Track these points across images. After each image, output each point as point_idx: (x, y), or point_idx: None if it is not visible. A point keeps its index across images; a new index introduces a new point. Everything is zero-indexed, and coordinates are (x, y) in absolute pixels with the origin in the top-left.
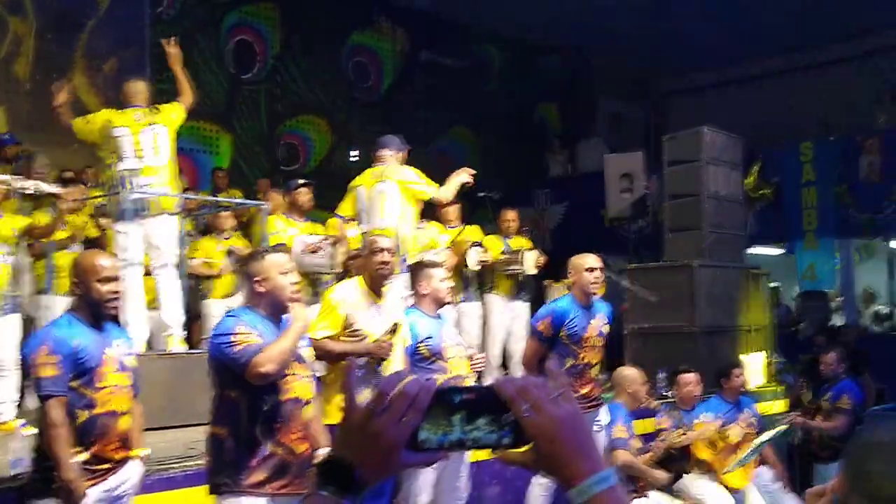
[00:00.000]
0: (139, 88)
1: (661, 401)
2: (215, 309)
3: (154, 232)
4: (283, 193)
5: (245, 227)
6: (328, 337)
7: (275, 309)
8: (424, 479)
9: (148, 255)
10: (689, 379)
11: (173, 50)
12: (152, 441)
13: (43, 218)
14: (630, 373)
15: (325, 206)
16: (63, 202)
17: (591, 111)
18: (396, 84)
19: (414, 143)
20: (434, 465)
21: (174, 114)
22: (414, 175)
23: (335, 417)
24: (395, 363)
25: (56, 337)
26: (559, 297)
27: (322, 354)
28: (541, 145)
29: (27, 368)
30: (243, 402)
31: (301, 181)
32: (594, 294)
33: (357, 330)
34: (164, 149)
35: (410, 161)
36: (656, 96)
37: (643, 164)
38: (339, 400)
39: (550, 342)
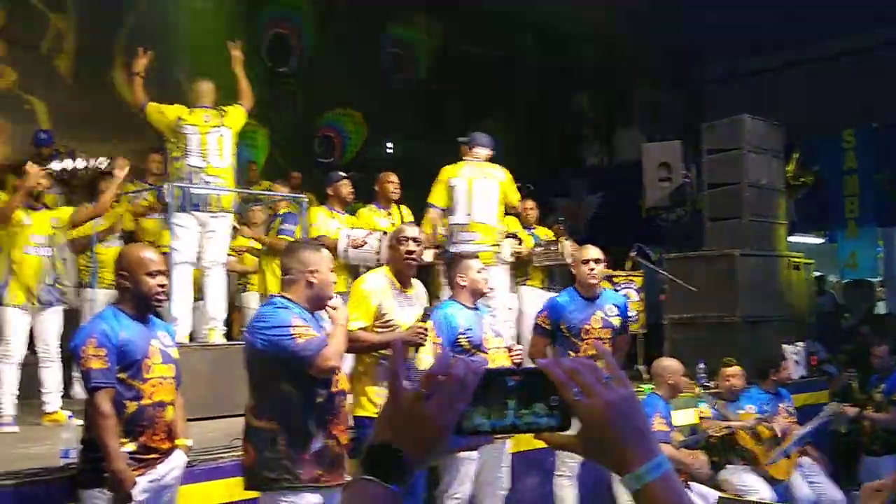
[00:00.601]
0: (207, 89)
1: (705, 391)
2: (254, 302)
3: (211, 229)
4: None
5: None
6: (362, 328)
7: (316, 303)
8: (466, 470)
9: (200, 250)
10: (733, 371)
11: (237, 53)
12: (194, 431)
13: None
14: (670, 364)
15: (360, 198)
16: (107, 190)
17: (627, 100)
18: (431, 75)
19: (448, 134)
20: (475, 456)
21: (238, 117)
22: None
23: (367, 409)
24: (428, 351)
25: (103, 330)
26: (562, 291)
27: (357, 346)
28: (576, 135)
29: (77, 361)
30: (296, 396)
31: (342, 173)
32: (593, 286)
33: (389, 320)
34: (227, 151)
35: (448, 152)
36: (693, 84)
37: (682, 153)
38: (370, 391)
39: (551, 335)
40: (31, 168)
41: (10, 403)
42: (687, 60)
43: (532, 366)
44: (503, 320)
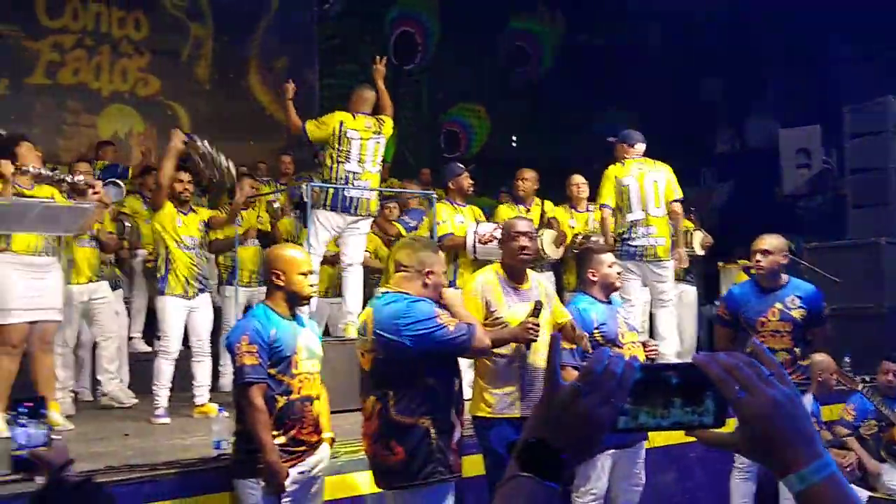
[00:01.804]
0: (370, 97)
1: (865, 386)
2: None
3: (354, 230)
4: (446, 179)
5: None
6: None
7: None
8: (603, 466)
9: (341, 250)
10: (893, 367)
11: (380, 67)
12: (334, 423)
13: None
14: (821, 359)
15: (487, 192)
16: (239, 196)
17: (758, 85)
18: (555, 67)
19: (574, 125)
20: (611, 452)
21: (390, 127)
22: (672, 171)
23: (483, 410)
24: (543, 346)
25: (255, 327)
26: (743, 282)
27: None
28: (705, 122)
29: (231, 357)
30: (441, 388)
31: (461, 166)
32: (763, 277)
33: (498, 317)
34: (380, 158)
35: (576, 143)
36: (826, 67)
37: (821, 137)
38: (477, 389)
39: (734, 326)
40: (183, 176)
41: (165, 396)
42: (819, 42)
43: (687, 361)
44: (670, 314)
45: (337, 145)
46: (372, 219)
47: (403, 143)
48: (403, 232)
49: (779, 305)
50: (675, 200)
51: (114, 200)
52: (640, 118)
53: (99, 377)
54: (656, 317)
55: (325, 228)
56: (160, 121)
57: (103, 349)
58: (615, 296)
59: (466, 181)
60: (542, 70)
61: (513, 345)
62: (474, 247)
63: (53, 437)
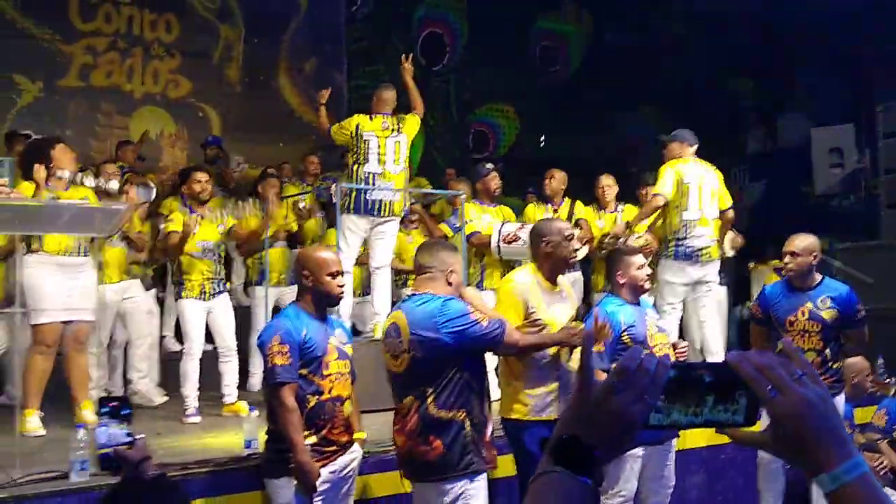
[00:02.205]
0: (390, 97)
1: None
2: None
3: (381, 232)
4: (474, 179)
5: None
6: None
7: None
8: (632, 467)
9: (368, 251)
10: None
11: (407, 65)
12: (363, 424)
13: (253, 220)
14: (855, 361)
15: (515, 192)
16: (272, 204)
17: (790, 84)
18: (583, 66)
19: (602, 125)
20: (640, 453)
21: (414, 125)
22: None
23: (514, 411)
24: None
25: (286, 328)
26: (777, 281)
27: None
28: (736, 121)
29: (263, 357)
30: (475, 383)
31: (490, 166)
32: (792, 279)
33: (538, 319)
34: (402, 157)
35: (605, 143)
36: (858, 65)
37: (854, 137)
38: (511, 391)
39: (767, 325)
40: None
41: (194, 396)
42: (852, 40)
43: (719, 360)
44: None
45: (355, 148)
46: (398, 220)
47: (432, 143)
48: (450, 233)
49: (809, 305)
50: (729, 208)
51: (142, 201)
52: (670, 117)
53: (129, 376)
54: (705, 322)
55: (352, 232)
56: (191, 122)
57: (135, 348)
58: (644, 297)
59: (494, 182)
60: (570, 69)
61: (554, 348)
62: (498, 246)
63: (136, 436)
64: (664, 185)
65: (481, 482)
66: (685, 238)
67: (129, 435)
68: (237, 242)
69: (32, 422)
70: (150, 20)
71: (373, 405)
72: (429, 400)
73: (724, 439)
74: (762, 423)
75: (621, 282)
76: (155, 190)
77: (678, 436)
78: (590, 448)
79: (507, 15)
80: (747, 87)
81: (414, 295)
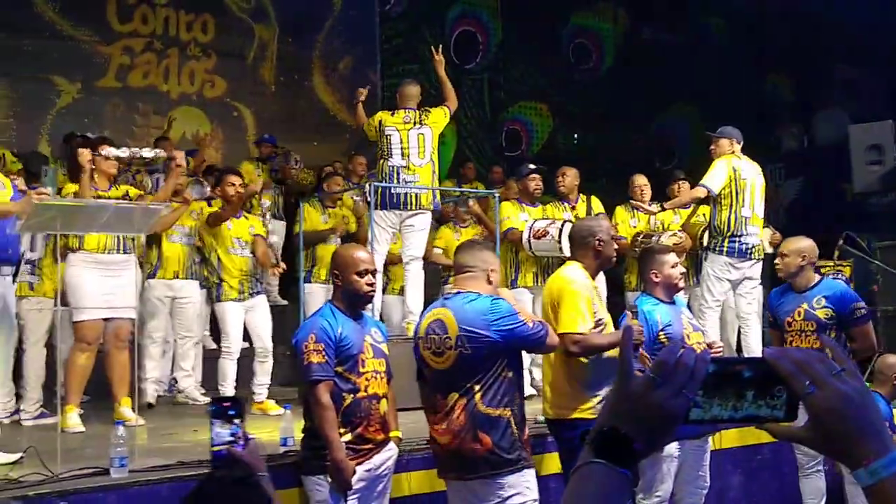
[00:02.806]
0: (414, 91)
1: None
2: None
3: (409, 226)
4: (514, 180)
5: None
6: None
7: None
8: (668, 468)
9: (401, 246)
10: None
11: (438, 57)
12: (400, 422)
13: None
14: (894, 360)
15: (547, 190)
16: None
17: (827, 80)
18: (618, 63)
19: (636, 122)
20: (676, 454)
21: (441, 117)
22: None
23: (579, 411)
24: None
25: (322, 326)
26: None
27: (589, 348)
28: (772, 118)
29: (299, 355)
30: (517, 381)
31: (531, 166)
32: (793, 279)
33: (600, 318)
34: (428, 150)
35: (639, 140)
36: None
37: (893, 133)
38: (573, 392)
39: (778, 327)
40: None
41: (230, 394)
42: (889, 36)
43: (759, 356)
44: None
45: (379, 143)
46: (428, 213)
47: (464, 142)
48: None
49: (805, 306)
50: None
51: (196, 198)
52: (705, 115)
53: (175, 375)
54: (747, 320)
55: (381, 228)
56: (226, 122)
57: (180, 347)
58: (679, 296)
59: (532, 183)
60: (603, 67)
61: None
62: (529, 241)
63: (249, 435)
64: (713, 178)
65: (532, 476)
66: (741, 235)
67: (232, 435)
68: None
69: (72, 418)
70: (185, 21)
71: (406, 403)
72: (476, 397)
73: (760, 440)
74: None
75: (656, 280)
76: (208, 189)
77: (717, 431)
78: (630, 441)
79: (541, 12)
80: (784, 83)
81: (459, 293)
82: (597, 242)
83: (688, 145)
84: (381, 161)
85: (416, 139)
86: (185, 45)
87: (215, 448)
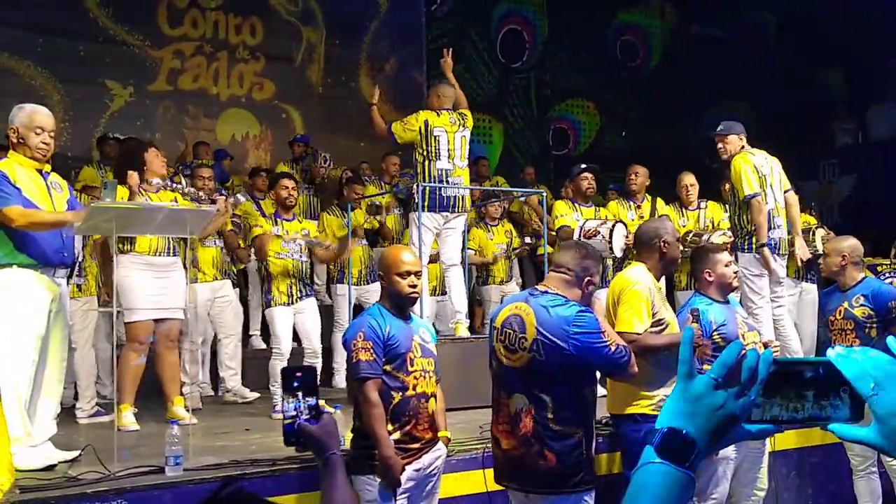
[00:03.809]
0: (449, 93)
1: None
2: (495, 294)
3: (451, 227)
4: (567, 180)
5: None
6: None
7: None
8: (724, 471)
9: (440, 249)
10: None
11: (449, 59)
12: (448, 422)
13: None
14: None
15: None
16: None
17: (880, 74)
18: (665, 60)
19: (685, 119)
20: (733, 456)
21: (471, 120)
22: None
23: (640, 406)
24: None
25: (370, 325)
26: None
27: (645, 349)
28: (825, 114)
29: (347, 354)
30: (591, 398)
31: (583, 166)
32: (836, 278)
33: (661, 319)
34: (467, 152)
35: (687, 137)
36: None
37: None
38: (632, 389)
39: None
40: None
41: (281, 393)
42: None
43: (822, 357)
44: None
45: (425, 145)
46: (466, 214)
47: (511, 141)
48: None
49: (845, 304)
50: (788, 190)
51: (235, 206)
52: (756, 111)
53: (221, 374)
54: (780, 320)
55: (427, 229)
56: (275, 123)
57: (224, 346)
58: (732, 295)
59: (584, 182)
60: (651, 64)
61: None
62: (580, 241)
63: (324, 410)
64: (751, 184)
65: (591, 497)
66: (769, 230)
67: (299, 409)
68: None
69: (127, 417)
70: (234, 24)
71: (454, 404)
72: (548, 411)
73: (816, 442)
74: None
75: (709, 279)
76: (246, 199)
77: (780, 432)
78: (692, 441)
79: (588, 10)
80: (837, 78)
81: (546, 292)
82: (662, 244)
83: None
84: (427, 162)
85: (459, 141)
86: (234, 49)
87: (286, 422)
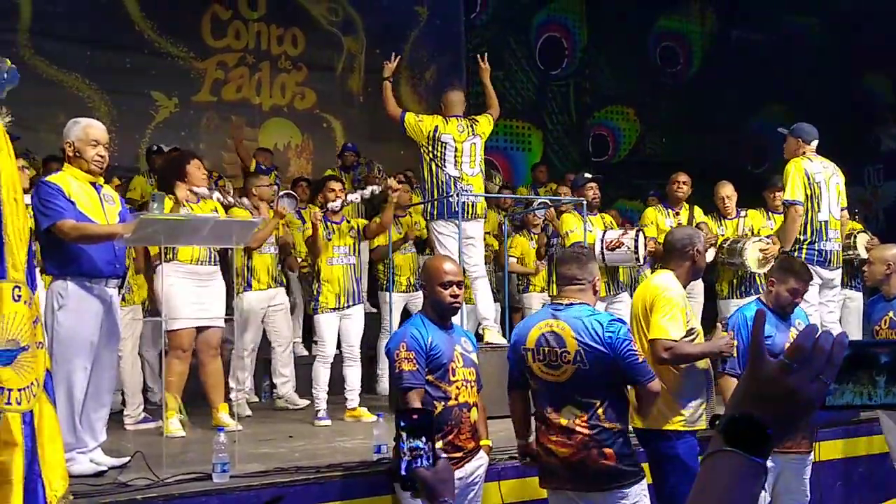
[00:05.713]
0: (459, 99)
1: None
2: (536, 302)
3: (470, 235)
4: (573, 190)
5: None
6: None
7: None
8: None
9: (464, 261)
10: None
11: (484, 65)
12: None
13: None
14: None
15: (635, 195)
16: (387, 209)
17: None
18: (706, 66)
19: (726, 125)
20: (771, 464)
21: (487, 126)
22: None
23: (672, 423)
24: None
25: (413, 335)
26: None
27: (680, 356)
28: (869, 118)
29: (390, 364)
30: (626, 399)
31: (588, 176)
32: (881, 287)
33: (692, 328)
34: (478, 159)
35: (729, 143)
36: None
37: None
38: (664, 402)
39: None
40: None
41: (323, 399)
42: None
43: None
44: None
45: (432, 150)
46: (482, 222)
47: (550, 148)
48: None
49: (891, 314)
50: (844, 208)
51: (289, 211)
52: (799, 115)
53: (274, 381)
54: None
55: (446, 237)
56: (316, 132)
57: (277, 353)
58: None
59: (590, 192)
60: (691, 70)
61: (705, 360)
62: (602, 253)
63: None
64: (794, 190)
65: (646, 486)
66: (817, 242)
67: (412, 451)
68: (369, 237)
69: (173, 423)
70: (276, 35)
71: (498, 412)
72: (599, 412)
73: (861, 452)
74: None
75: (771, 289)
76: (298, 201)
77: (858, 415)
78: (763, 427)
79: (627, 16)
80: (882, 83)
81: (571, 304)
82: (695, 252)
83: (780, 149)
84: (434, 167)
85: (468, 149)
86: (276, 59)
87: (401, 463)
